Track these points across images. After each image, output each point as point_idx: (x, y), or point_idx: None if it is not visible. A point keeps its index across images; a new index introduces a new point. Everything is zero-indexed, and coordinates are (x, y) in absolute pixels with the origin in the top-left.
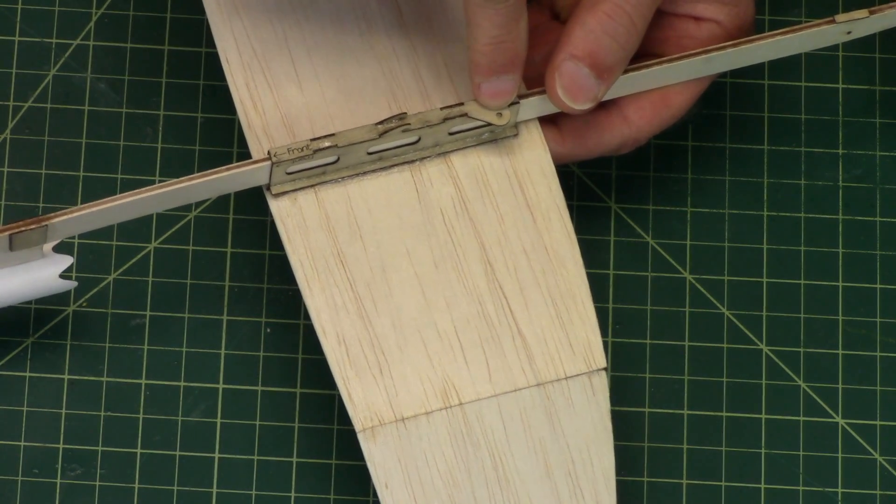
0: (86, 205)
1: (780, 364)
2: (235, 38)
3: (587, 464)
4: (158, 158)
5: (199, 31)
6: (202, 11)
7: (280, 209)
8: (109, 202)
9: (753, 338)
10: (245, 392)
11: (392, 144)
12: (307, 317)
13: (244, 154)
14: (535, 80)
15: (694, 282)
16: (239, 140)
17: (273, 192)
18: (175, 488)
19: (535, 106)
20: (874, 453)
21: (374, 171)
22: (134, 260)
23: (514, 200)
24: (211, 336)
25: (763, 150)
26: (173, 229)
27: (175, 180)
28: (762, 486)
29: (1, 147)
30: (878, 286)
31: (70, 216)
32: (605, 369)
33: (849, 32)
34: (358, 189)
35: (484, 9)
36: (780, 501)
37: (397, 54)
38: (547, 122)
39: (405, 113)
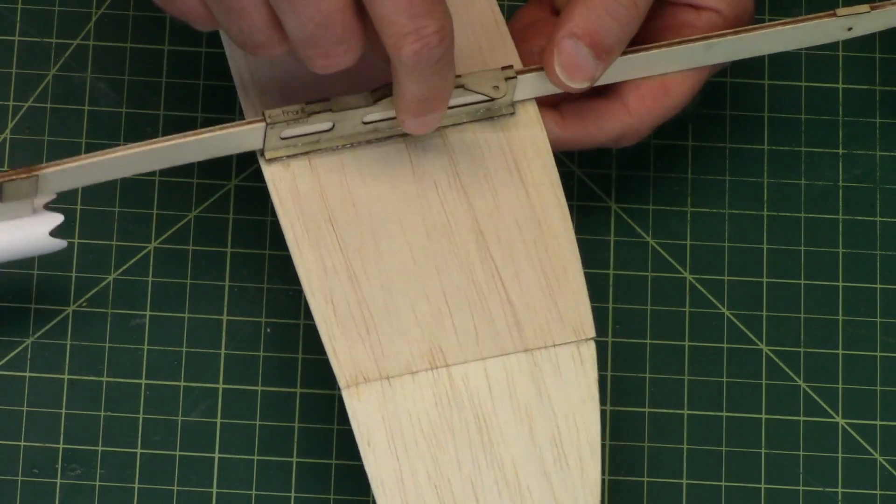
0: (78, 157)
1: (780, 364)
2: None
3: (573, 431)
4: None
5: (198, 32)
6: None
7: (273, 174)
8: (102, 155)
9: (753, 338)
10: (245, 392)
11: (387, 115)
12: (307, 317)
13: (244, 154)
14: None
15: (694, 282)
16: None
17: (266, 158)
18: (175, 488)
19: (532, 85)
20: (874, 453)
21: (369, 141)
22: (134, 260)
23: (508, 175)
24: (211, 336)
25: (763, 150)
26: (173, 229)
27: (169, 137)
28: (762, 486)
29: (1, 147)
30: (878, 286)
31: (61, 167)
32: (594, 339)
33: (850, 28)
34: (352, 158)
35: (413, 73)
36: (780, 501)
37: None
38: (548, 105)
39: None
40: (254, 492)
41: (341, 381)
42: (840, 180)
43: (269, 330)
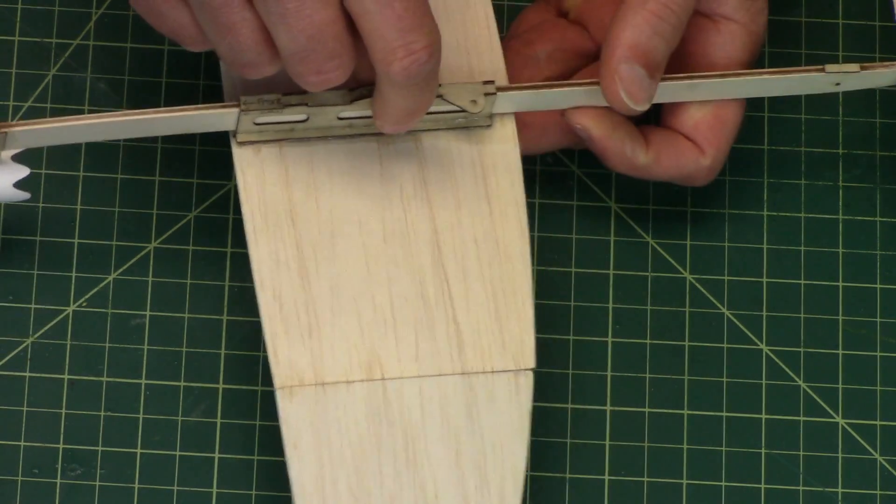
0: (49, 119)
1: (780, 364)
2: None
3: (498, 460)
4: (158, 158)
5: None
6: None
7: (242, 157)
8: (73, 120)
9: (753, 338)
10: (245, 392)
11: (363, 113)
12: None
13: None
14: (539, 77)
15: (694, 282)
16: None
17: (238, 140)
18: (175, 488)
19: (512, 100)
20: (874, 453)
21: (342, 136)
22: (134, 260)
23: (474, 189)
24: (211, 336)
25: (763, 150)
26: (173, 229)
27: (142, 111)
28: (762, 486)
29: None
30: (878, 286)
31: (30, 127)
32: (533, 370)
33: (837, 84)
34: (323, 151)
35: (400, 88)
36: (780, 501)
37: None
38: (634, 134)
39: None
40: (254, 492)
41: (276, 381)
42: (840, 180)
43: None
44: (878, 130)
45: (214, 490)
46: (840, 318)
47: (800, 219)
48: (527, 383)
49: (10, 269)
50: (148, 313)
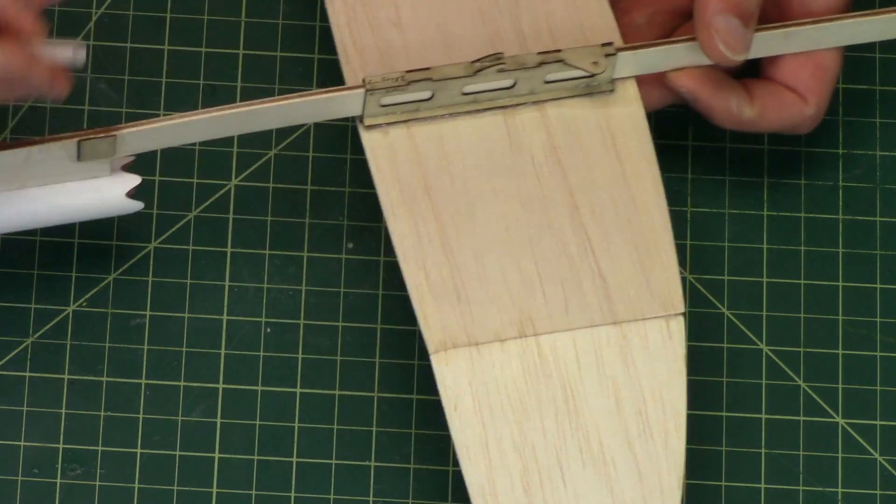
0: (157, 119)
1: (780, 364)
2: None
3: (658, 404)
4: (158, 159)
5: (199, 31)
6: (202, 11)
7: (371, 141)
8: (181, 118)
9: (753, 338)
10: (245, 392)
11: (487, 86)
12: (308, 317)
13: (246, 153)
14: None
15: (694, 282)
16: (239, 141)
17: (365, 125)
18: (175, 488)
19: (633, 62)
20: (874, 453)
21: (467, 112)
22: (134, 260)
23: (604, 151)
24: (211, 336)
25: (763, 150)
26: (173, 229)
27: (258, 101)
28: (762, 486)
29: None
30: (878, 286)
31: (139, 128)
32: (684, 314)
33: None
34: (450, 128)
35: None
36: (780, 501)
37: (500, 6)
38: (738, 90)
39: (501, 53)
40: (254, 492)
41: (430, 347)
42: (840, 180)
43: (269, 330)
44: (878, 130)
45: (214, 490)
46: (840, 318)
47: (800, 219)
48: (678, 327)
49: (10, 269)
50: (148, 313)
